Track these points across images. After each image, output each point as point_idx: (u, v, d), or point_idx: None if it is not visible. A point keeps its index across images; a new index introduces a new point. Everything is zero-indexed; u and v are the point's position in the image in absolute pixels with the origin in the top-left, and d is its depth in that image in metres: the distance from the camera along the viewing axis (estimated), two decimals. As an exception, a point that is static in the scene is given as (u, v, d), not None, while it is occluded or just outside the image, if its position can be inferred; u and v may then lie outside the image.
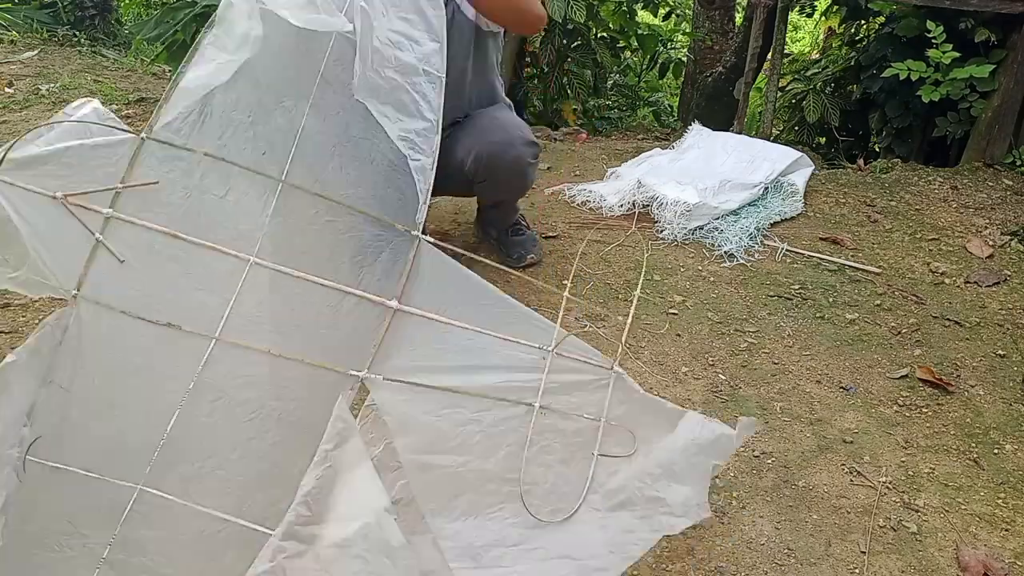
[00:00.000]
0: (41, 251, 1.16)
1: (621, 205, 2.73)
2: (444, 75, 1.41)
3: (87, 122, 1.27)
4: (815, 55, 5.12)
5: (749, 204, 2.69)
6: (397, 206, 1.30)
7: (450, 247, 1.35)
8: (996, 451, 1.73)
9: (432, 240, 1.27)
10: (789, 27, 5.67)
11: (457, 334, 1.23)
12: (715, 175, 2.75)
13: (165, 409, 1.16)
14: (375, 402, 1.20)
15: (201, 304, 1.21)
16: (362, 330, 1.21)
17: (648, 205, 2.68)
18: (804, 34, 7.57)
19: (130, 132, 1.27)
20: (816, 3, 4.50)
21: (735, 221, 2.61)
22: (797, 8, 4.26)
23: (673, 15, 5.29)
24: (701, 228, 2.58)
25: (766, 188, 2.74)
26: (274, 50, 1.33)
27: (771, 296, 2.27)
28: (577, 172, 3.14)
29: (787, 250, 2.50)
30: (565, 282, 2.27)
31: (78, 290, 1.17)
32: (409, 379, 1.21)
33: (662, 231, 2.58)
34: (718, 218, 2.60)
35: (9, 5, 5.10)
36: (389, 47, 1.39)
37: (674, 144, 3.15)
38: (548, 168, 3.16)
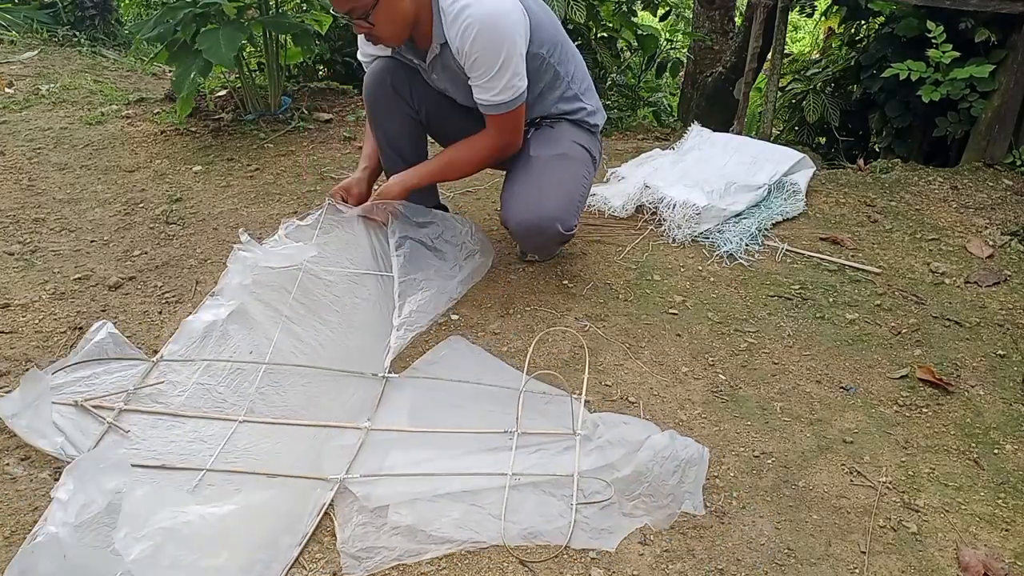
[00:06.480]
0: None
1: (625, 207, 2.69)
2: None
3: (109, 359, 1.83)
4: (815, 55, 5.11)
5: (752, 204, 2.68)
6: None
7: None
8: (996, 451, 1.73)
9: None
10: (789, 27, 5.67)
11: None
12: (720, 177, 2.73)
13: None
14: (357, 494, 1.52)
15: (190, 453, 1.63)
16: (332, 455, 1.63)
17: (656, 207, 2.64)
18: (804, 34, 7.57)
19: (143, 358, 1.85)
20: (816, 3, 4.49)
21: (737, 221, 2.60)
22: (797, 8, 4.26)
23: (672, 15, 5.28)
24: (707, 230, 2.56)
25: (769, 189, 2.74)
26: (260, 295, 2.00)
27: (771, 296, 2.27)
28: (577, 172, 3.12)
29: (787, 250, 2.50)
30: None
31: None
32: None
33: (672, 232, 2.55)
34: (726, 221, 2.59)
35: (9, 5, 5.10)
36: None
37: (674, 145, 3.14)
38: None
